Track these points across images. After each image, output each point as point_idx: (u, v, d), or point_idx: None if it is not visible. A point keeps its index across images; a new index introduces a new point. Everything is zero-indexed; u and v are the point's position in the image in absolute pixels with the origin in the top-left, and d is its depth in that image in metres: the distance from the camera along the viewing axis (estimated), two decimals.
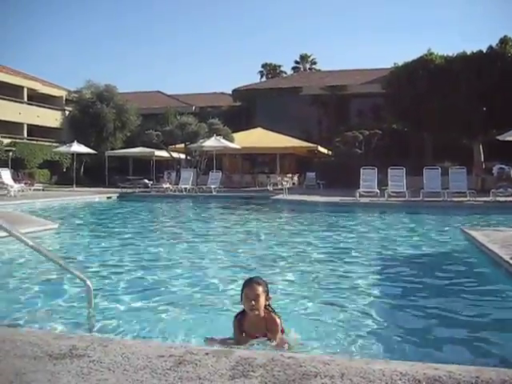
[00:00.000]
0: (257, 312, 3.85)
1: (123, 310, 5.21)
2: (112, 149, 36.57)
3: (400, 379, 2.39)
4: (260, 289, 3.86)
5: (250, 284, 3.93)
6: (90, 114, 36.67)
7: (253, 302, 3.82)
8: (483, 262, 7.47)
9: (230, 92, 46.19)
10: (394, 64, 30.55)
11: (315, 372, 2.47)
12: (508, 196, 19.56)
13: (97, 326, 4.63)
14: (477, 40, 72.42)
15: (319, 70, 58.19)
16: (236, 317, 4.00)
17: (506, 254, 6.52)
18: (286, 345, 3.91)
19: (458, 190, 19.94)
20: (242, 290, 3.93)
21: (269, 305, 3.98)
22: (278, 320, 3.93)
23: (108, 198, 23.84)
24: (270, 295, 4.04)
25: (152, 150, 32.90)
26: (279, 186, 28.44)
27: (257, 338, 3.86)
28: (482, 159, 28.87)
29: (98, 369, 2.52)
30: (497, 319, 4.98)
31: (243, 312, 3.95)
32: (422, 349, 4.16)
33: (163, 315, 5.04)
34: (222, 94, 50.12)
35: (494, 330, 4.67)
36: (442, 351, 4.09)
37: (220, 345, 3.85)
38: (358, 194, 19.95)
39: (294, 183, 35.32)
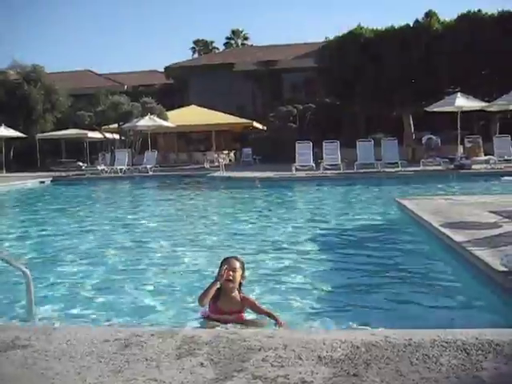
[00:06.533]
0: (232, 285, 3.98)
1: (64, 297, 5.15)
2: (42, 131, 35.30)
3: (340, 346, 2.51)
4: (238, 264, 4.05)
5: (228, 259, 4.09)
6: (17, 97, 35.19)
7: (231, 272, 3.95)
8: (416, 229, 7.80)
9: (163, 70, 45.37)
10: (326, 38, 30.84)
11: (259, 345, 2.56)
12: (437, 165, 20.33)
13: (39, 314, 4.55)
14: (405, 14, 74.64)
15: (251, 46, 57.96)
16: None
17: (436, 221, 6.85)
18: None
19: (390, 160, 20.52)
20: (220, 267, 4.03)
21: (241, 284, 4.13)
22: (253, 299, 4.18)
23: (41, 182, 23.02)
24: (245, 275, 4.17)
25: (85, 131, 32.00)
26: (216, 163, 28.37)
27: (230, 314, 3.94)
28: (413, 130, 29.74)
29: (43, 358, 2.51)
30: (427, 283, 5.25)
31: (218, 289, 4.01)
32: (361, 315, 4.34)
33: (103, 299, 5.03)
34: (155, 71, 49.10)
35: (421, 289, 4.94)
36: (379, 317, 4.28)
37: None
38: (293, 169, 20.21)
39: (230, 160, 35.26)
